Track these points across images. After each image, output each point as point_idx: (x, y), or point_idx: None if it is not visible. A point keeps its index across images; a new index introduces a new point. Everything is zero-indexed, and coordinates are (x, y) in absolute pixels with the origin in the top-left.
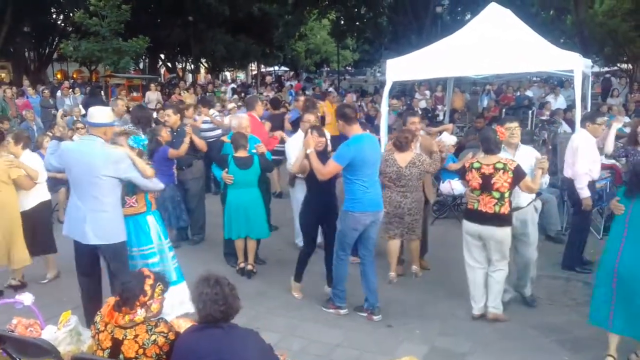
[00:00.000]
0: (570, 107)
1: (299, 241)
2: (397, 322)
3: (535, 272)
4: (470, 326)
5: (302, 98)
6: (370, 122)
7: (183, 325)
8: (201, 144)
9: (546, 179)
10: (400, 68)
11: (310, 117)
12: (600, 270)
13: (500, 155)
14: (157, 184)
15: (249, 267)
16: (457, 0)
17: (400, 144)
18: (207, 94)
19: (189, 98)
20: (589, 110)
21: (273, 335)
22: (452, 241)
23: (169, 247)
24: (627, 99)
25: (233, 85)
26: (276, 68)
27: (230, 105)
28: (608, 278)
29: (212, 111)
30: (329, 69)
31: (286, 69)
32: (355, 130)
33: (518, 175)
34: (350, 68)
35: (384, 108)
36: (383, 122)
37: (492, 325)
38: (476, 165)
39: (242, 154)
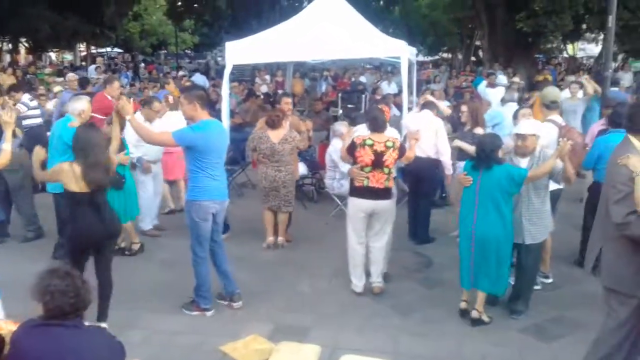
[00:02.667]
0: (401, 92)
1: (144, 225)
2: (241, 302)
3: (389, 250)
4: (313, 301)
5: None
6: (212, 107)
7: (4, 327)
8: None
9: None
10: (239, 51)
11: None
12: (461, 237)
13: (385, 134)
14: None
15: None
16: None
17: (273, 122)
18: (28, 76)
19: (8, 80)
20: (414, 95)
21: (111, 330)
22: (296, 220)
23: None
24: (447, 84)
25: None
26: (109, 49)
27: (57, 89)
28: (467, 242)
29: (25, 96)
30: (166, 51)
31: (120, 50)
32: (205, 115)
33: (402, 151)
34: (190, 51)
35: (225, 92)
36: (224, 106)
37: (334, 298)
38: (369, 142)
39: None
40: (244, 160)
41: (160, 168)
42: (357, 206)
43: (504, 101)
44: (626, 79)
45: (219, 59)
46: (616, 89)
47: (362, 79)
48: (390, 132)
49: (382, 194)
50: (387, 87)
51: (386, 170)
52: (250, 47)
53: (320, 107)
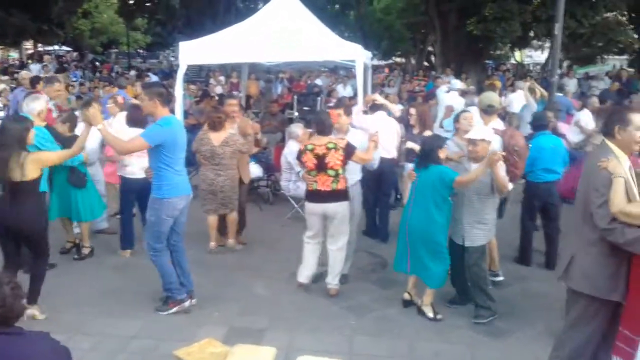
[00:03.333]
0: (356, 95)
1: (101, 224)
2: (196, 306)
3: (352, 252)
4: (268, 303)
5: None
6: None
7: None
8: None
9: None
10: (193, 51)
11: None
12: (400, 228)
13: (330, 136)
14: None
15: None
16: None
17: (214, 124)
18: None
19: None
20: None
21: (59, 337)
22: (251, 222)
23: None
24: (401, 88)
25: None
26: (57, 47)
27: (0, 87)
28: (403, 233)
29: None
30: (117, 50)
31: (68, 49)
32: (166, 112)
33: (348, 151)
34: (142, 51)
35: (178, 92)
36: (178, 107)
37: (290, 299)
38: (310, 147)
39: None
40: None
41: (100, 170)
42: (310, 210)
43: (466, 105)
44: (571, 85)
45: (172, 59)
46: (562, 94)
47: (318, 81)
48: (358, 133)
49: (330, 196)
50: (343, 90)
51: (331, 172)
52: (204, 47)
53: (276, 109)
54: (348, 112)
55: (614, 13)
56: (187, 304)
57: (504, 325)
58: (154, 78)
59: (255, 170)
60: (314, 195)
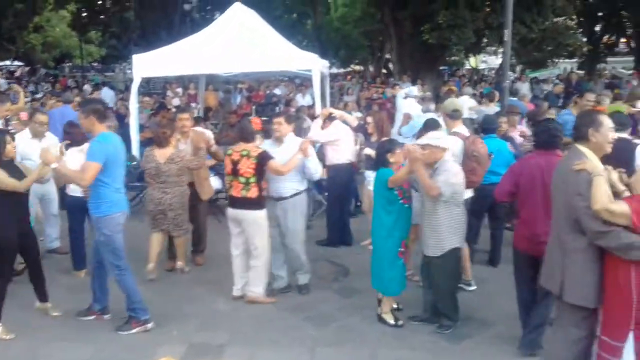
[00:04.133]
0: (315, 103)
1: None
2: (152, 324)
3: (305, 261)
4: (228, 318)
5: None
6: (121, 121)
7: None
8: None
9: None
10: (148, 64)
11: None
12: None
13: (250, 144)
14: None
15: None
16: None
17: (159, 140)
18: None
19: None
20: (328, 106)
21: None
22: (210, 235)
23: None
24: (359, 96)
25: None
26: (7, 63)
27: None
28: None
29: None
30: (71, 64)
31: (20, 63)
32: (103, 128)
33: (261, 160)
34: (97, 64)
35: (133, 106)
36: (133, 121)
37: (249, 313)
38: (229, 152)
39: None
40: None
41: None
42: (227, 213)
43: (423, 112)
44: (524, 89)
45: (128, 71)
46: (515, 98)
47: (277, 91)
48: (297, 141)
49: (241, 203)
50: (302, 99)
51: (242, 179)
52: (159, 59)
53: (235, 120)
54: (289, 121)
55: (563, 18)
56: (150, 325)
57: (465, 330)
58: (108, 93)
59: (215, 182)
60: (230, 199)
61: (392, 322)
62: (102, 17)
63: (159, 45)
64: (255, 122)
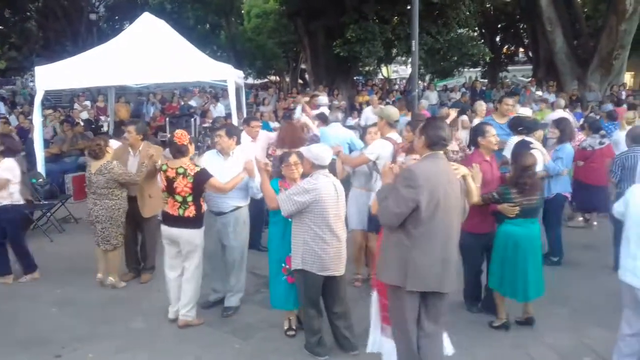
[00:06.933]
0: (230, 114)
1: None
2: (67, 349)
3: (241, 280)
4: (148, 337)
5: None
6: (24, 136)
7: None
8: None
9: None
10: (52, 76)
11: None
12: None
13: (184, 160)
14: None
15: None
16: (113, 8)
17: (93, 152)
18: None
19: None
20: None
21: None
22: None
23: None
24: (276, 106)
25: None
26: None
27: None
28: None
29: None
30: None
31: None
32: None
33: (199, 179)
34: None
35: (36, 120)
36: (37, 136)
37: (171, 331)
38: (164, 167)
39: None
40: (63, 193)
41: None
42: (161, 231)
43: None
44: (432, 97)
45: (31, 84)
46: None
47: (192, 102)
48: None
49: (175, 221)
50: (217, 111)
51: (178, 198)
52: (64, 71)
53: (149, 133)
54: (230, 134)
55: (466, 29)
56: None
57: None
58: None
59: None
60: (164, 216)
61: (285, 327)
62: (0, 27)
63: (65, 56)
64: (177, 136)
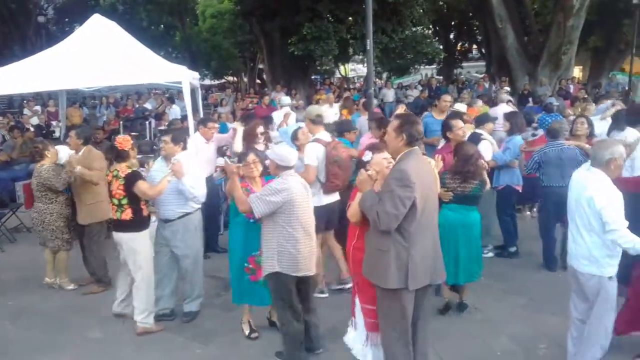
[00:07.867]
0: (187, 116)
1: None
2: None
3: (197, 285)
4: (106, 345)
5: None
6: None
7: None
8: None
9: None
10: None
11: None
12: None
13: (121, 164)
14: None
15: None
16: (62, 10)
17: (32, 155)
18: None
19: None
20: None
21: None
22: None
23: None
24: (234, 107)
25: None
26: None
27: None
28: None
29: None
30: None
31: None
32: None
33: (129, 182)
34: None
35: None
36: None
37: (129, 339)
38: (106, 172)
39: None
40: (14, 201)
41: None
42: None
43: (298, 121)
44: (389, 95)
45: None
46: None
47: (147, 105)
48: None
49: (116, 225)
50: (173, 113)
51: (115, 201)
52: (12, 75)
53: (102, 137)
54: (176, 140)
55: (421, 28)
56: None
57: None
58: None
59: None
60: (111, 221)
61: (246, 332)
62: None
63: (13, 60)
64: (119, 141)
